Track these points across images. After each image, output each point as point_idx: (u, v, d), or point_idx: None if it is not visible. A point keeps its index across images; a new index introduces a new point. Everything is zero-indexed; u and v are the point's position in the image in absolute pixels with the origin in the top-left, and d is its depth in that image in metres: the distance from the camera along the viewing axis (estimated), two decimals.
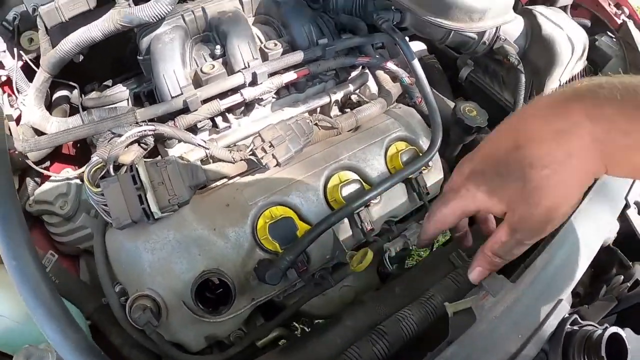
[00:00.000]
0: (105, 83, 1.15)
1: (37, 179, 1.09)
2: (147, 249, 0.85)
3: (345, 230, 0.93)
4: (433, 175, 1.00)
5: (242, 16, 0.97)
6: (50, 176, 1.05)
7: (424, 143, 0.99)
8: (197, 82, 0.93)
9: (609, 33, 1.16)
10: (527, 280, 0.65)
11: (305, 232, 0.87)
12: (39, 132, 1.02)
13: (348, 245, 0.93)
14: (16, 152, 0.99)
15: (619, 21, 1.15)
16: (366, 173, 0.94)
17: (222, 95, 0.91)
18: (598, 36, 1.14)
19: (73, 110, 1.10)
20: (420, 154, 0.97)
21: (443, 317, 0.67)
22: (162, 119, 0.91)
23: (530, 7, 1.14)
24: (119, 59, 1.15)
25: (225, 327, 0.88)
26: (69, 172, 1.05)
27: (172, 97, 0.91)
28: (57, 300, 0.59)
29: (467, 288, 0.68)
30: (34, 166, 0.99)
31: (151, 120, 0.90)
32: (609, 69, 1.10)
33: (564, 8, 1.17)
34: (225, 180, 0.91)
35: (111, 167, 0.83)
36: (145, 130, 0.84)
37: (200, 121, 0.90)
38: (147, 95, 1.05)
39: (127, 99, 1.05)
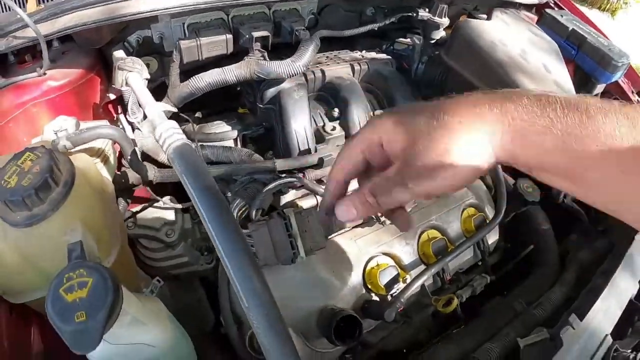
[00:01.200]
0: (197, 115, 1.22)
1: (128, 199, 1.13)
2: (275, 286, 0.94)
3: (428, 278, 1.10)
4: (492, 236, 1.22)
5: (358, 86, 1.12)
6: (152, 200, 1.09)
7: (489, 210, 1.21)
8: (318, 139, 1.06)
9: None
10: (589, 320, 0.91)
11: (411, 280, 1.03)
12: (149, 158, 1.07)
13: (429, 290, 1.11)
14: (118, 172, 1.04)
15: None
16: (447, 232, 1.13)
17: None
18: None
19: None
20: (487, 220, 1.18)
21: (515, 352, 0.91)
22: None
23: None
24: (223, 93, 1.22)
25: (329, 357, 1.00)
26: (172, 200, 1.10)
27: (300, 152, 1.02)
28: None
29: (531, 328, 0.94)
30: (154, 195, 1.04)
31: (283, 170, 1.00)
32: None
33: None
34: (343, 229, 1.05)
35: (254, 212, 0.93)
36: (292, 182, 0.95)
37: (325, 176, 1.03)
38: (253, 139, 1.14)
39: (235, 139, 1.13)
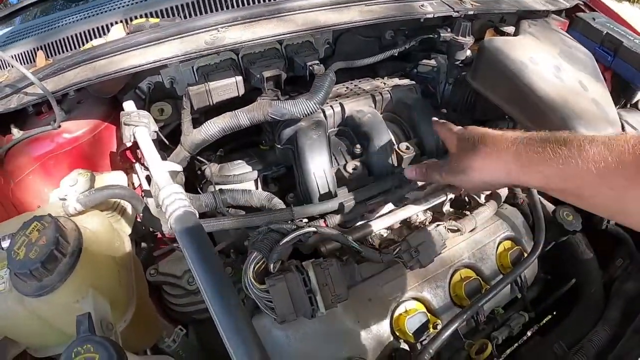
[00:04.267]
0: (219, 153, 1.17)
1: (151, 244, 1.10)
2: (297, 338, 0.92)
3: (461, 324, 1.02)
4: (531, 270, 1.12)
5: (380, 119, 1.05)
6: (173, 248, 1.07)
7: (527, 242, 1.11)
8: (339, 180, 0.99)
9: None
10: None
11: (438, 326, 0.95)
12: None
13: (461, 333, 1.03)
14: (138, 220, 1.01)
15: None
16: (482, 270, 1.06)
17: None
18: None
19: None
20: (525, 253, 1.08)
21: None
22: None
23: None
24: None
25: None
26: None
27: (321, 196, 0.96)
28: None
29: None
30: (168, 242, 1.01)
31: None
32: None
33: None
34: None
35: (272, 265, 0.87)
36: (310, 232, 0.89)
37: (348, 221, 0.96)
38: (274, 179, 1.09)
39: (256, 180, 1.08)
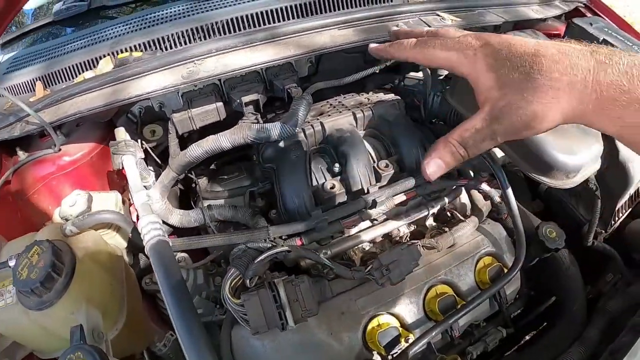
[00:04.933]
0: (212, 167, 1.24)
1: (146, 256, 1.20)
2: (272, 348, 0.99)
3: (436, 335, 1.05)
4: (512, 285, 1.13)
5: (359, 138, 1.08)
6: None
7: (508, 258, 1.12)
8: (318, 197, 1.04)
9: None
10: None
11: (409, 341, 0.99)
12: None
13: (436, 346, 1.06)
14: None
15: None
16: (458, 286, 1.08)
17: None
18: None
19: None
20: (505, 269, 1.09)
21: None
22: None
23: None
24: None
25: None
26: (185, 258, 1.15)
27: (299, 215, 1.02)
28: None
29: None
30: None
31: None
32: None
33: None
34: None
35: (248, 281, 0.94)
36: (283, 252, 0.95)
37: (323, 238, 1.01)
38: (261, 194, 1.15)
39: (244, 195, 1.15)
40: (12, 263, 0.89)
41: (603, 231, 1.18)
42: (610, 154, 1.16)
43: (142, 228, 0.83)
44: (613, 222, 1.19)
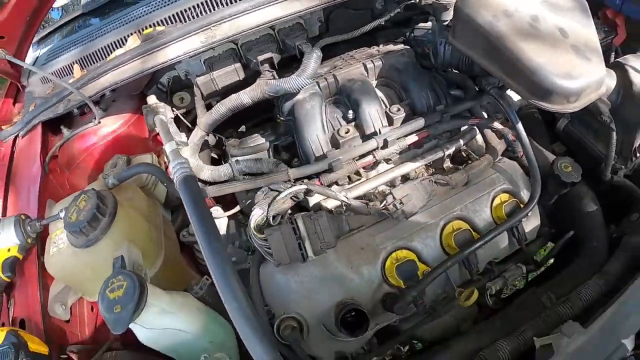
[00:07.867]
0: (241, 129, 1.36)
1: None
2: (296, 282, 1.08)
3: (454, 270, 1.12)
4: (531, 222, 1.17)
5: (370, 85, 1.16)
6: None
7: (525, 195, 1.16)
8: (335, 143, 1.13)
9: None
10: (596, 326, 0.82)
11: (427, 273, 1.05)
12: None
13: (456, 282, 1.11)
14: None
15: None
16: (475, 222, 1.13)
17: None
18: None
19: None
20: (522, 205, 1.12)
21: (532, 349, 0.88)
22: None
23: (622, 59, 1.18)
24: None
25: (352, 345, 1.09)
26: (218, 210, 1.26)
27: (316, 158, 1.10)
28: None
29: (553, 326, 0.90)
30: None
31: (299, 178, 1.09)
32: None
33: None
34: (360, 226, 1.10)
35: (271, 218, 1.04)
36: (301, 190, 1.03)
37: (340, 179, 1.09)
38: (284, 147, 1.25)
39: (268, 150, 1.25)
40: (62, 215, 1.03)
41: (623, 166, 1.18)
42: (623, 86, 1.16)
43: (172, 168, 0.95)
44: (634, 158, 1.18)
